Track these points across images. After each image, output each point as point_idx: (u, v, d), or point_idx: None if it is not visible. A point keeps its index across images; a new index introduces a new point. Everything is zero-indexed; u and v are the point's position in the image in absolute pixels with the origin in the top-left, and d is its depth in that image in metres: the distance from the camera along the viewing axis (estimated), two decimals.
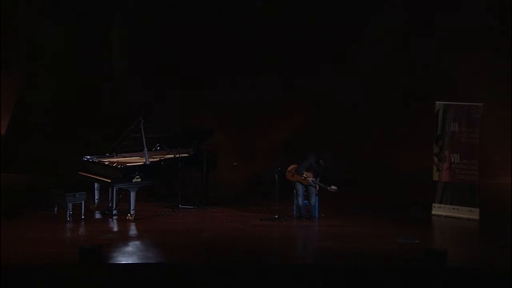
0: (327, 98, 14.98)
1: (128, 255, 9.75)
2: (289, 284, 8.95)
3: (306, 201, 11.56)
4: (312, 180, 11.42)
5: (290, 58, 14.79)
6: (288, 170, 11.57)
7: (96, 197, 12.07)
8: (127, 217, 11.40)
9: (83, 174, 11.94)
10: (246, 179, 14.10)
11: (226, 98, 14.86)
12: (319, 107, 15.06)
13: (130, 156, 12.16)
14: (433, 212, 11.98)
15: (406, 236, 10.48)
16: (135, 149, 12.12)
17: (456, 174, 11.81)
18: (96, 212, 11.91)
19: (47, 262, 9.19)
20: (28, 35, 15.14)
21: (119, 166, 11.52)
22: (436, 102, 12.05)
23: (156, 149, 12.27)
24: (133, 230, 11.07)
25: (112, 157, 12.08)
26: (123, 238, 10.55)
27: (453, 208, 11.80)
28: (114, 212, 11.59)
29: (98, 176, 11.70)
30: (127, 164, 11.64)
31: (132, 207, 11.41)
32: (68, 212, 11.29)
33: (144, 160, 11.67)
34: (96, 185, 12.00)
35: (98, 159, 11.99)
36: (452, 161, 11.83)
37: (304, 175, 11.43)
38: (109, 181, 11.42)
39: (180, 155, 12.12)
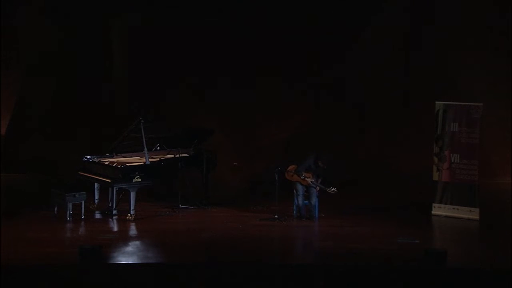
0: (327, 98, 14.98)
1: (128, 255, 9.75)
2: (289, 284, 8.95)
3: (306, 201, 11.57)
4: (311, 181, 11.42)
5: (290, 58, 14.78)
6: (288, 170, 11.57)
7: (96, 197, 12.07)
8: (127, 217, 11.40)
9: (83, 174, 11.94)
10: (246, 179, 14.09)
11: (226, 98, 14.86)
12: (319, 107, 15.06)
13: (130, 156, 12.16)
14: (433, 212, 11.98)
15: (406, 236, 10.48)
16: (135, 149, 12.12)
17: (456, 174, 11.81)
18: (96, 212, 11.91)
19: (47, 262, 9.19)
20: (28, 35, 15.13)
21: (119, 166, 11.52)
22: (436, 102, 12.05)
23: (156, 149, 12.27)
24: (133, 230, 11.07)
25: (112, 157, 12.08)
26: (123, 238, 10.55)
27: (453, 208, 11.80)
28: (114, 212, 11.59)
29: (98, 176, 11.70)
30: (127, 164, 11.64)
31: (132, 207, 11.41)
32: (68, 212, 11.28)
33: (144, 160, 11.68)
34: (96, 185, 11.99)
35: (98, 159, 11.99)
36: (452, 161, 11.83)
37: (303, 176, 11.43)
38: (109, 181, 11.42)
39: (180, 155, 12.12)
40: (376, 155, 14.85)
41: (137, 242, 10.45)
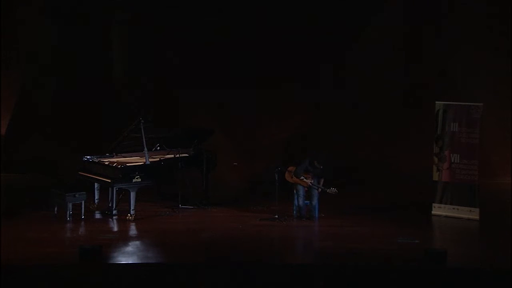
0: (327, 98, 14.98)
1: (128, 255, 9.75)
2: (289, 284, 8.95)
3: (307, 201, 11.57)
4: (311, 182, 11.42)
5: (290, 58, 14.78)
6: (288, 169, 11.58)
7: (96, 197, 12.07)
8: (127, 217, 11.40)
9: (83, 174, 11.94)
10: (246, 179, 14.09)
11: (227, 98, 14.85)
12: (319, 107, 15.06)
13: (130, 156, 12.16)
14: (433, 212, 11.97)
15: (406, 236, 10.48)
16: (135, 149, 12.12)
17: (456, 174, 11.81)
18: (96, 212, 11.91)
19: (47, 262, 9.19)
20: (28, 35, 15.13)
21: (119, 166, 11.52)
22: (436, 102, 12.05)
23: (156, 149, 12.27)
24: (133, 230, 11.07)
25: (112, 157, 12.08)
26: (123, 238, 10.54)
27: (453, 208, 11.80)
28: (114, 212, 11.59)
29: (98, 176, 11.70)
30: (127, 164, 11.64)
31: (132, 207, 11.41)
32: (68, 212, 11.28)
33: (144, 160, 11.67)
34: (96, 185, 11.99)
35: (98, 159, 11.98)
36: (452, 161, 11.83)
37: (302, 177, 11.43)
38: (109, 181, 11.42)
39: (180, 155, 12.12)
40: (376, 155, 14.85)
41: (137, 242, 10.45)
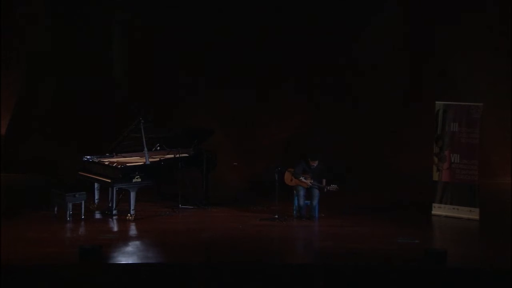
0: (327, 98, 14.98)
1: (128, 255, 9.75)
2: (289, 284, 8.95)
3: (307, 201, 11.57)
4: (310, 182, 11.42)
5: (290, 58, 14.78)
6: (288, 169, 11.58)
7: (96, 197, 12.07)
8: (127, 217, 11.40)
9: (83, 174, 11.94)
10: (246, 179, 14.09)
11: (226, 98, 14.85)
12: (319, 107, 15.06)
13: (130, 156, 12.16)
14: (433, 212, 11.98)
15: (406, 236, 10.48)
16: (135, 149, 12.12)
17: (456, 174, 11.81)
18: (96, 212, 11.91)
19: (47, 262, 9.19)
20: (28, 35, 15.13)
21: (119, 166, 11.52)
22: (436, 102, 12.05)
23: (156, 149, 12.27)
24: (133, 230, 11.07)
25: (112, 157, 12.08)
26: (123, 238, 10.55)
27: (453, 208, 11.80)
28: (114, 212, 11.59)
29: (98, 176, 11.70)
30: (127, 164, 11.64)
31: (132, 207, 11.41)
32: (68, 212, 11.28)
33: (144, 160, 11.68)
34: (96, 185, 12.00)
35: (98, 159, 11.99)
36: (452, 161, 11.83)
37: (302, 178, 11.43)
38: (109, 181, 11.42)
39: (180, 155, 12.12)
40: (376, 155, 14.84)
41: (137, 242, 10.45)
